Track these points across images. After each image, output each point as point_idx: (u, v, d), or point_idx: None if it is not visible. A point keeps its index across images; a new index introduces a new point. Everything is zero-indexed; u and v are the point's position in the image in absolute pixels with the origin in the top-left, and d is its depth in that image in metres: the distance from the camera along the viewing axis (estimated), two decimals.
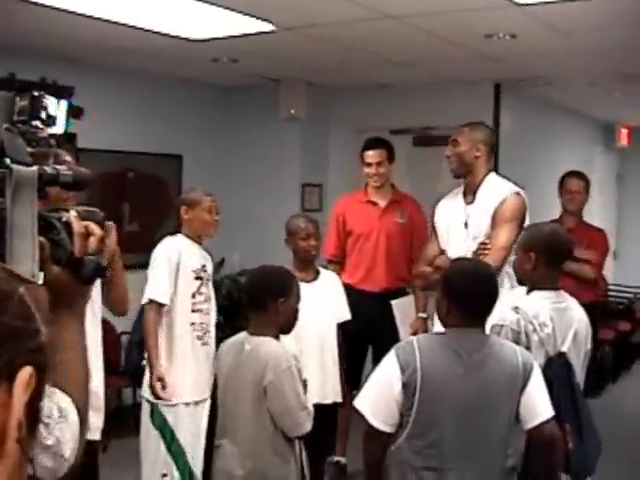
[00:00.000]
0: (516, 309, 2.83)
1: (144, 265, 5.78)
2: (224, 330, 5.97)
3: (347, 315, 4.16)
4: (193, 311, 3.83)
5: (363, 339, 4.70)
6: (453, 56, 5.04)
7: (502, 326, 2.78)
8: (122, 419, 5.12)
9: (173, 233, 3.96)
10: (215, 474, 2.87)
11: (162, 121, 6.26)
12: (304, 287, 3.81)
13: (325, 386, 3.97)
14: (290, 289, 2.90)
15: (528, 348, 2.75)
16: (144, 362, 3.87)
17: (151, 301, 3.73)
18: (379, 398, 2.47)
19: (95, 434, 3.20)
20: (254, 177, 6.69)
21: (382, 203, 4.76)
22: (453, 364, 2.44)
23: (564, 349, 2.85)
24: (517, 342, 2.73)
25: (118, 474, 3.80)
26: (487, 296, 2.53)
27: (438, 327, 2.73)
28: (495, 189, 3.63)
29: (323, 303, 4.00)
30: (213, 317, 3.95)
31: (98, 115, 5.69)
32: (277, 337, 2.87)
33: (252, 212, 6.63)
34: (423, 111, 6.12)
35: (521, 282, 3.15)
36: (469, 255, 3.61)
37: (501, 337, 2.73)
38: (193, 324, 3.82)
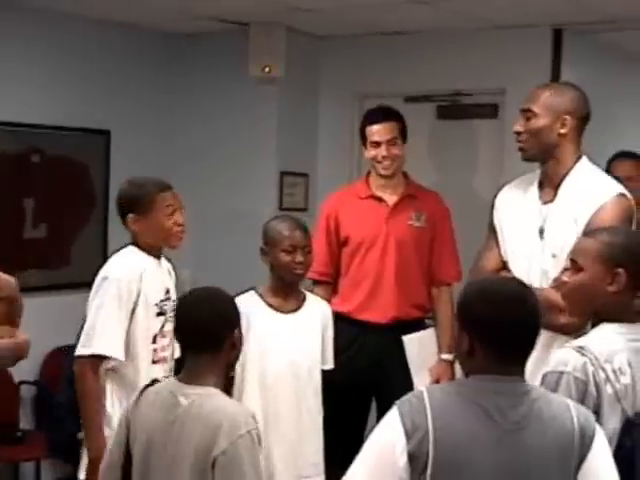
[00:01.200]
0: (581, 349, 2.79)
1: (55, 287, 5.83)
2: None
3: (330, 363, 4.17)
4: (155, 362, 3.77)
5: (364, 391, 4.70)
6: None
7: (562, 373, 2.74)
8: None
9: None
10: None
11: (82, 83, 6.20)
12: (281, 319, 3.92)
13: (302, 459, 3.96)
14: (239, 316, 3.00)
15: (598, 406, 2.72)
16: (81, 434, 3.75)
17: (93, 356, 3.63)
18: (376, 475, 2.42)
19: None
20: (212, 163, 6.66)
21: (391, 199, 4.74)
22: (480, 427, 2.39)
23: None
24: (583, 398, 2.70)
25: None
26: (527, 328, 2.49)
27: None
28: (589, 186, 3.59)
29: (306, 342, 3.99)
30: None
31: None
32: (222, 384, 2.90)
33: (209, 212, 6.58)
34: (451, 69, 6.08)
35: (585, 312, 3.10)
36: (545, 280, 3.58)
37: (560, 390, 2.69)
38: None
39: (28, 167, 5.96)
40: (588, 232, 3.33)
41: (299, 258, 3.93)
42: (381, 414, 4.37)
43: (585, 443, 2.43)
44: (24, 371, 5.46)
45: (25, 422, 5.77)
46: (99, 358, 3.63)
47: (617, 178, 5.00)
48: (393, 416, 2.43)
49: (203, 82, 6.71)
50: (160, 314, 3.79)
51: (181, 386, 2.84)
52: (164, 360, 3.79)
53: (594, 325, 2.95)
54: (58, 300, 5.81)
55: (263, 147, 6.50)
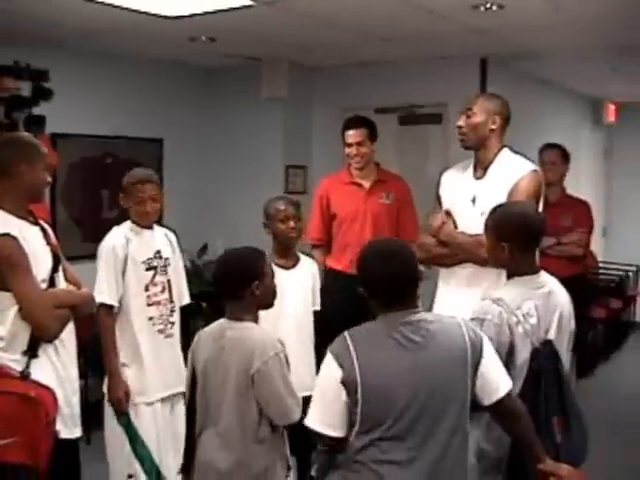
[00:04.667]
0: (497, 301, 2.70)
1: None
2: (210, 316, 5.86)
3: (317, 305, 4.05)
4: (149, 305, 3.59)
5: (353, 325, 4.62)
6: (438, 30, 4.91)
7: (483, 320, 2.65)
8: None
9: (119, 222, 3.68)
10: (197, 467, 2.78)
11: (141, 104, 6.15)
12: (283, 274, 3.73)
13: (304, 378, 3.89)
14: (262, 270, 2.80)
15: (512, 342, 2.66)
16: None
17: (101, 304, 3.48)
18: (327, 401, 2.35)
19: (73, 432, 3.10)
20: (237, 159, 6.60)
21: (366, 184, 4.66)
22: (394, 354, 2.29)
23: (550, 336, 2.74)
24: (500, 337, 2.63)
25: (103, 467, 3.66)
26: (400, 279, 2.35)
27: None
28: (510, 166, 3.50)
29: (301, 291, 3.90)
30: (176, 304, 3.71)
31: (75, 99, 5.63)
32: (256, 319, 2.82)
33: (235, 196, 6.56)
34: (408, 89, 6.04)
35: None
36: (476, 232, 3.47)
37: (482, 331, 2.59)
38: (151, 318, 3.60)
39: (103, 167, 5.91)
40: (507, 201, 3.26)
41: (292, 225, 3.81)
42: None
43: (476, 352, 2.35)
44: None
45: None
46: (106, 307, 3.50)
47: (545, 163, 5.06)
48: (329, 357, 2.35)
49: (227, 103, 6.64)
50: (149, 269, 3.58)
51: (229, 322, 2.78)
52: (158, 303, 3.60)
53: (509, 277, 2.84)
54: None
55: (273, 147, 6.44)
